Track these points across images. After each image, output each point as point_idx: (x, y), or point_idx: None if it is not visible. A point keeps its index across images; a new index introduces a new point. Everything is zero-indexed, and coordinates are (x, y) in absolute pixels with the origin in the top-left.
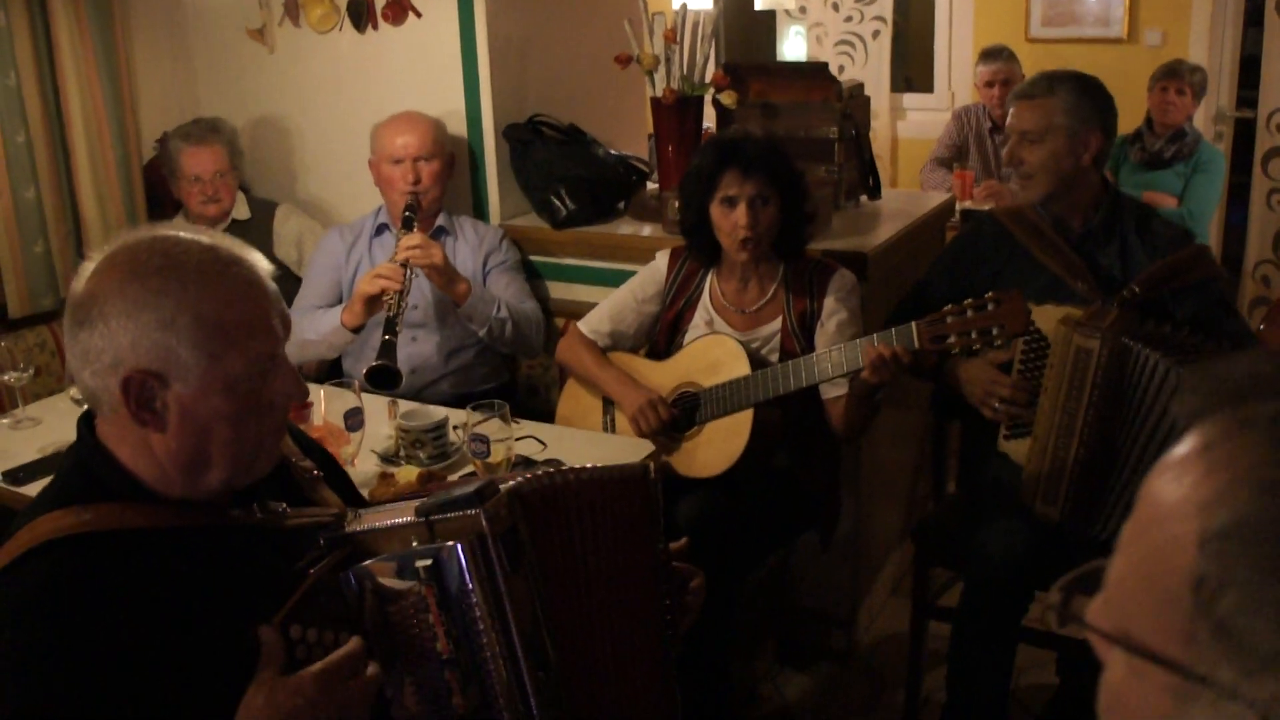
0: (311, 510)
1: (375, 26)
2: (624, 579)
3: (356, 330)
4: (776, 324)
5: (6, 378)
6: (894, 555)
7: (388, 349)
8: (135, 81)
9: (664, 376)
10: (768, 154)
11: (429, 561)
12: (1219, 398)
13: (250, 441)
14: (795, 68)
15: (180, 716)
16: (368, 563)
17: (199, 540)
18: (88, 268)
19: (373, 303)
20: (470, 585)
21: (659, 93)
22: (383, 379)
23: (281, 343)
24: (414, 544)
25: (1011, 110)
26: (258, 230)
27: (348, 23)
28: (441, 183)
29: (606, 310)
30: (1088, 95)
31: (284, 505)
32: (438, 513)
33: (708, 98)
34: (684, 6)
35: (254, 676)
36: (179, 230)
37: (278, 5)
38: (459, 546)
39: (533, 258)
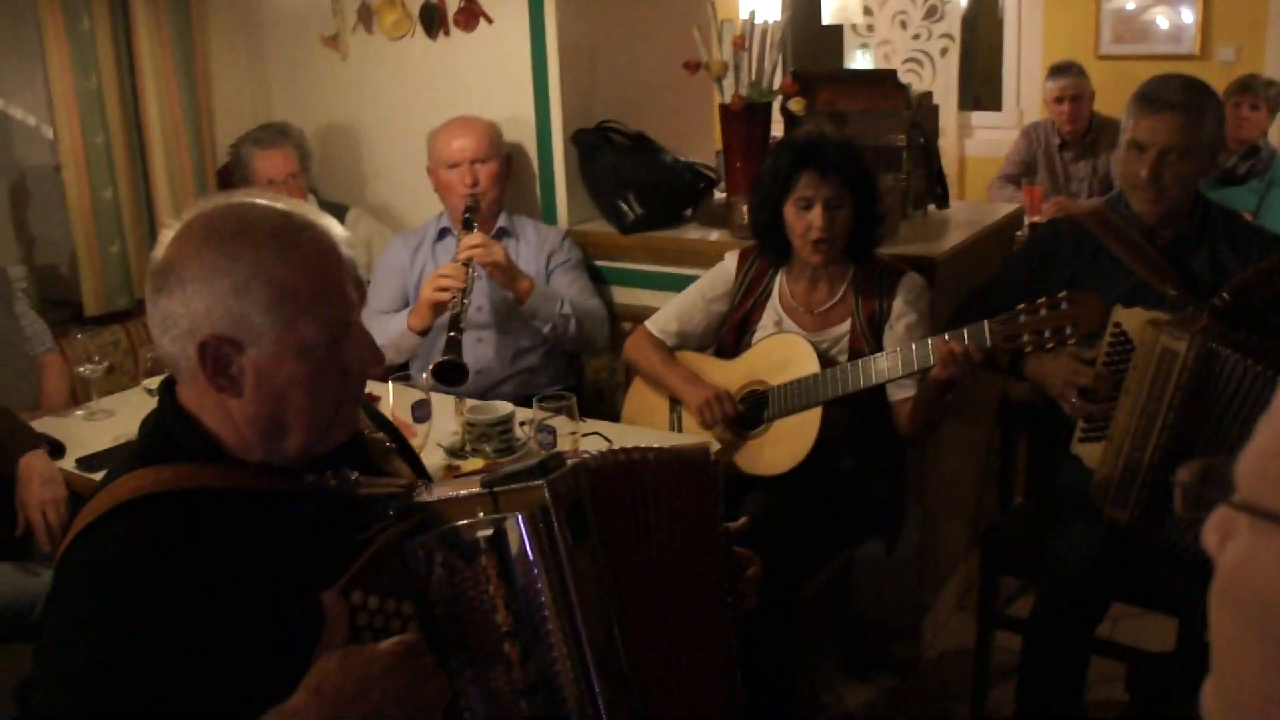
0: (383, 480)
1: (447, 33)
2: (688, 559)
3: (423, 333)
4: (845, 325)
5: (81, 370)
6: (960, 568)
7: (453, 345)
8: (211, 87)
9: (731, 375)
10: (844, 156)
11: (490, 532)
12: None
13: (326, 407)
14: (863, 75)
15: (245, 677)
16: (430, 533)
17: (274, 504)
18: (167, 235)
19: (439, 306)
20: (531, 556)
21: (727, 99)
22: (450, 374)
23: (355, 309)
24: (479, 514)
25: (1150, 120)
26: None
27: (420, 29)
28: (499, 184)
29: (674, 310)
30: (1221, 113)
31: (356, 474)
32: (502, 484)
33: (776, 105)
34: (752, 14)
35: (320, 642)
36: (254, 196)
37: (351, 12)
38: (520, 518)
39: (599, 263)
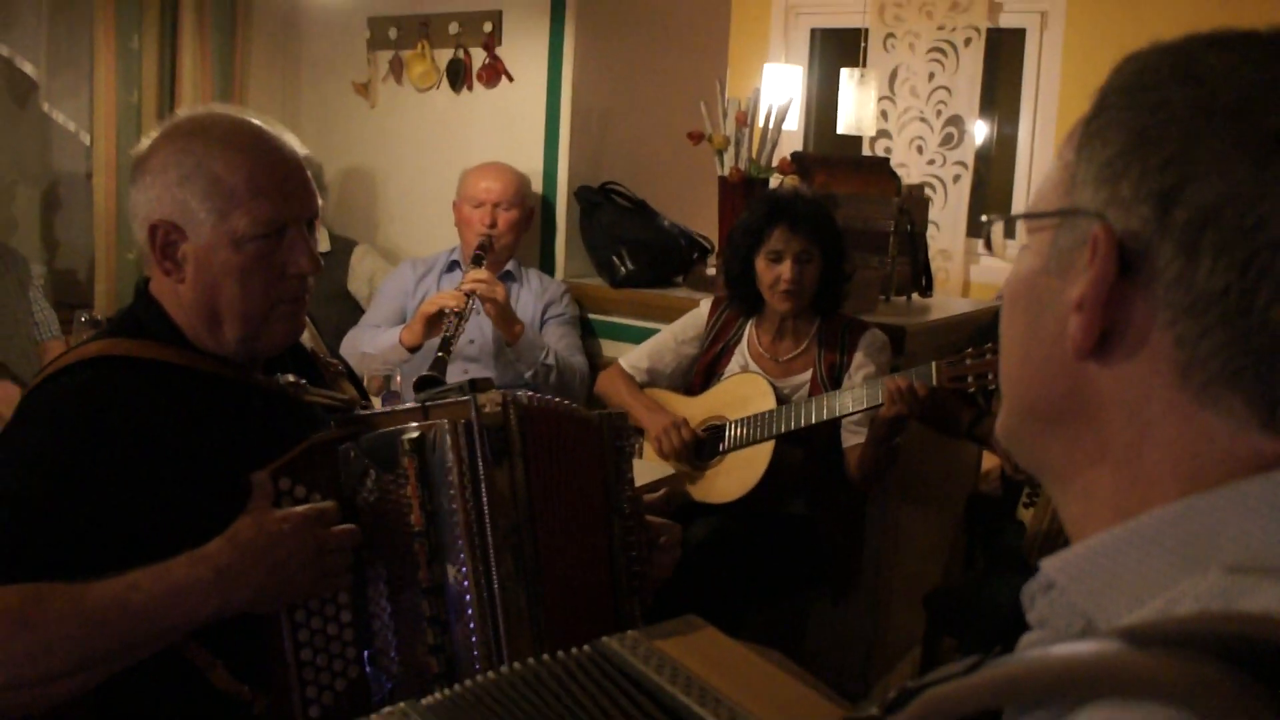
0: (328, 392)
1: (470, 88)
2: (595, 508)
3: (413, 350)
4: (807, 375)
5: None
6: (916, 649)
7: (439, 364)
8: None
9: (694, 409)
10: (815, 213)
11: (415, 435)
12: None
13: (258, 300)
14: (858, 160)
15: (168, 533)
16: (362, 439)
17: (224, 391)
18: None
19: (432, 325)
20: (449, 463)
21: (726, 172)
22: (430, 390)
23: (295, 213)
24: (410, 425)
25: None
26: (336, 263)
27: (445, 83)
28: (516, 232)
29: (647, 349)
30: None
31: (304, 381)
32: (435, 400)
33: (774, 182)
34: (757, 91)
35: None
36: (229, 110)
37: (384, 63)
38: (444, 425)
39: (591, 315)
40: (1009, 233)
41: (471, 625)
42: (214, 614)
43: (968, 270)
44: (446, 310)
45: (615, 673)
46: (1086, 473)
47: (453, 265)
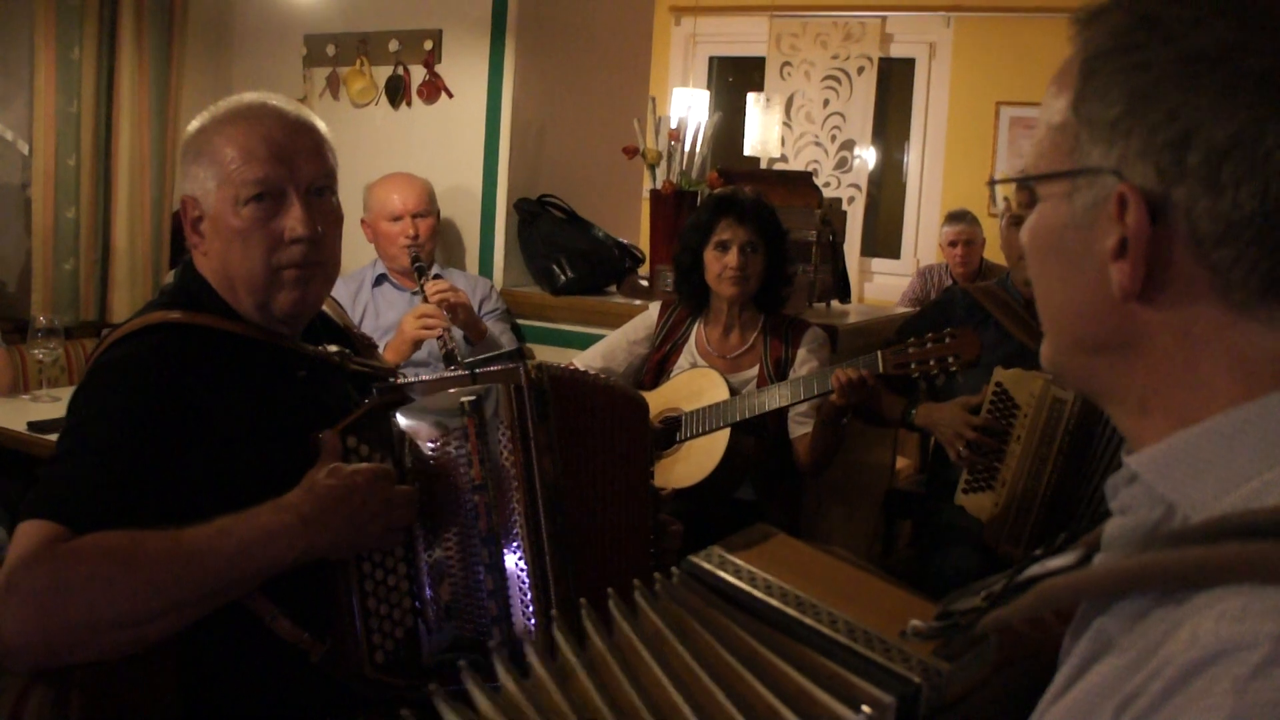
0: (370, 362)
1: (409, 103)
2: (620, 480)
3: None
4: (754, 370)
5: (37, 354)
6: None
7: None
8: (179, 130)
9: (650, 403)
10: (760, 209)
11: (473, 397)
12: None
13: (259, 266)
14: (783, 175)
15: (238, 488)
16: (418, 400)
17: (276, 358)
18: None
19: (419, 342)
20: (505, 421)
21: (659, 185)
22: None
23: (289, 177)
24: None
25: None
26: None
27: (384, 98)
28: (434, 238)
29: (600, 349)
30: None
31: (348, 351)
32: (481, 367)
33: (702, 195)
34: (683, 121)
35: (312, 468)
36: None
37: (320, 79)
38: (498, 387)
39: (531, 322)
40: (1008, 204)
41: (524, 566)
42: (299, 557)
43: (862, 287)
44: (434, 327)
45: (709, 593)
46: (1141, 390)
47: (380, 279)
